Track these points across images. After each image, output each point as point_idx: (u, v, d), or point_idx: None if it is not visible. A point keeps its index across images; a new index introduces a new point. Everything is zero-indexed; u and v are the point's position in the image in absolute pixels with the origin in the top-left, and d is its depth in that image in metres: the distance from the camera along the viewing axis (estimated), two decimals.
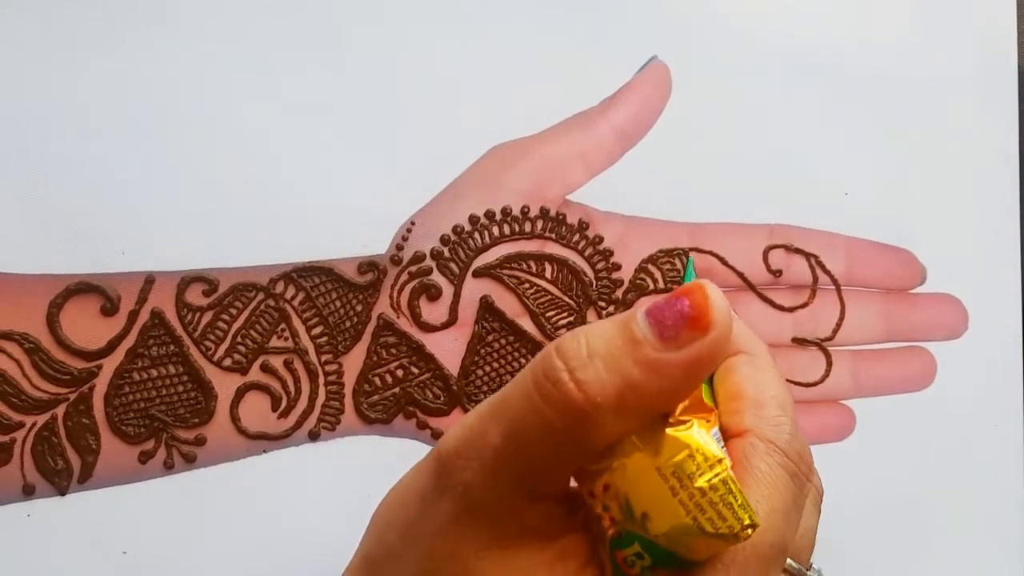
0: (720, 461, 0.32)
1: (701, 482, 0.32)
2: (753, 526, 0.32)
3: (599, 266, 0.56)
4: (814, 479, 0.36)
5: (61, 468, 0.52)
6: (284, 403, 0.54)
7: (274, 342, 0.54)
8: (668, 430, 0.32)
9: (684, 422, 0.32)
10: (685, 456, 0.32)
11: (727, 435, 0.35)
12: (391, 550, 0.34)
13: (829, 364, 0.57)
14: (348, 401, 0.55)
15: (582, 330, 0.32)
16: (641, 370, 0.31)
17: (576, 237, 0.56)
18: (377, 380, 0.55)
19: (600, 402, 0.31)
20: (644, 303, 0.32)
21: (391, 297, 0.55)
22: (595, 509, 0.33)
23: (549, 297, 0.56)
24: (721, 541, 0.32)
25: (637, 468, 0.32)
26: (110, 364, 0.53)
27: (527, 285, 0.56)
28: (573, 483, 0.34)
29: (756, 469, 0.34)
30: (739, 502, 0.32)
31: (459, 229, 0.55)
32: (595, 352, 0.31)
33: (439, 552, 0.33)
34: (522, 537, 0.33)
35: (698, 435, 0.32)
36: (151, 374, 0.53)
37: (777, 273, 0.57)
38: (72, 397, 0.52)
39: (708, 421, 0.33)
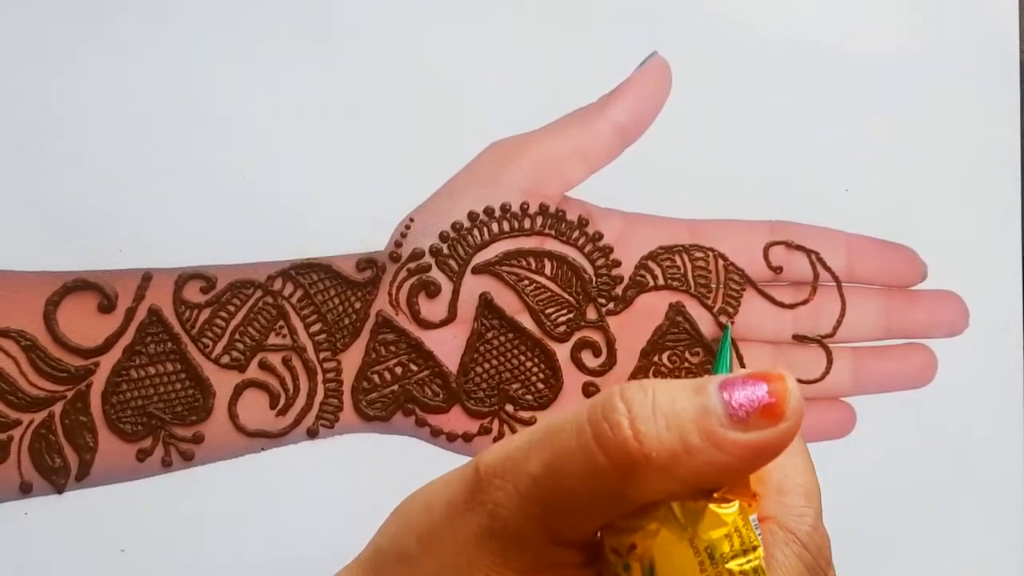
0: (755, 548, 0.32)
1: (733, 565, 0.31)
2: None
3: (599, 263, 0.56)
4: (831, 574, 0.35)
5: (58, 466, 0.52)
6: (282, 401, 0.54)
7: (272, 339, 0.54)
8: (711, 505, 0.32)
9: (728, 501, 0.32)
10: (723, 535, 0.32)
11: None
12: (406, 552, 0.34)
13: (830, 361, 0.57)
14: (347, 398, 0.54)
15: (650, 383, 0.32)
16: (702, 441, 0.31)
17: (576, 234, 0.56)
18: (376, 377, 0.55)
19: (653, 458, 0.31)
20: (718, 378, 0.32)
21: (390, 294, 0.55)
22: (615, 567, 0.32)
23: (548, 294, 0.56)
24: None
25: (670, 536, 0.32)
26: (107, 361, 0.53)
27: (526, 282, 0.55)
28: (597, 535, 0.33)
29: (773, 558, 0.33)
30: None
31: (458, 226, 0.55)
32: (660, 408, 0.31)
33: (454, 565, 0.33)
34: (537, 572, 0.33)
35: (739, 517, 0.32)
36: (149, 371, 0.53)
37: (778, 270, 0.57)
38: (69, 395, 0.52)
39: (750, 505, 0.33)
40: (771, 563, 0.33)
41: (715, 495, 0.32)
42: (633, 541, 0.32)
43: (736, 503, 0.32)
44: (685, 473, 0.31)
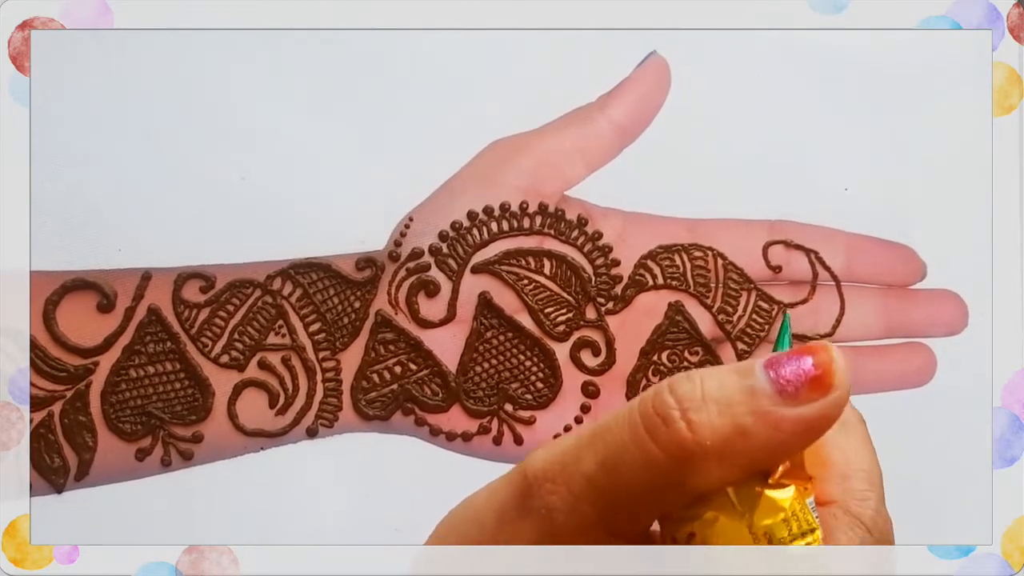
0: (813, 531, 0.32)
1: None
2: None
3: (598, 262, 0.56)
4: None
5: (58, 465, 0.52)
6: (282, 400, 0.54)
7: (272, 339, 0.54)
8: (767, 490, 0.32)
9: (783, 485, 0.32)
10: (780, 520, 0.32)
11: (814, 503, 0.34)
12: None
13: None
14: (346, 398, 0.54)
15: (697, 373, 0.32)
16: (755, 421, 0.31)
17: (575, 233, 0.56)
18: (375, 377, 0.54)
19: (708, 445, 0.31)
20: (762, 359, 0.32)
21: (389, 293, 0.55)
22: None
23: (548, 293, 0.56)
24: None
25: (728, 523, 0.32)
26: (107, 361, 0.53)
27: (526, 281, 0.55)
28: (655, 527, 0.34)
29: (837, 542, 0.33)
30: None
31: (457, 225, 0.55)
32: (710, 396, 0.31)
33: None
34: None
35: (796, 501, 0.32)
36: (148, 371, 0.53)
37: (777, 269, 0.57)
38: (69, 394, 0.52)
39: (806, 489, 0.33)
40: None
41: (770, 480, 0.32)
42: (692, 530, 0.32)
43: (792, 487, 0.32)
44: (741, 457, 0.31)
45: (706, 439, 0.31)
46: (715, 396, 0.31)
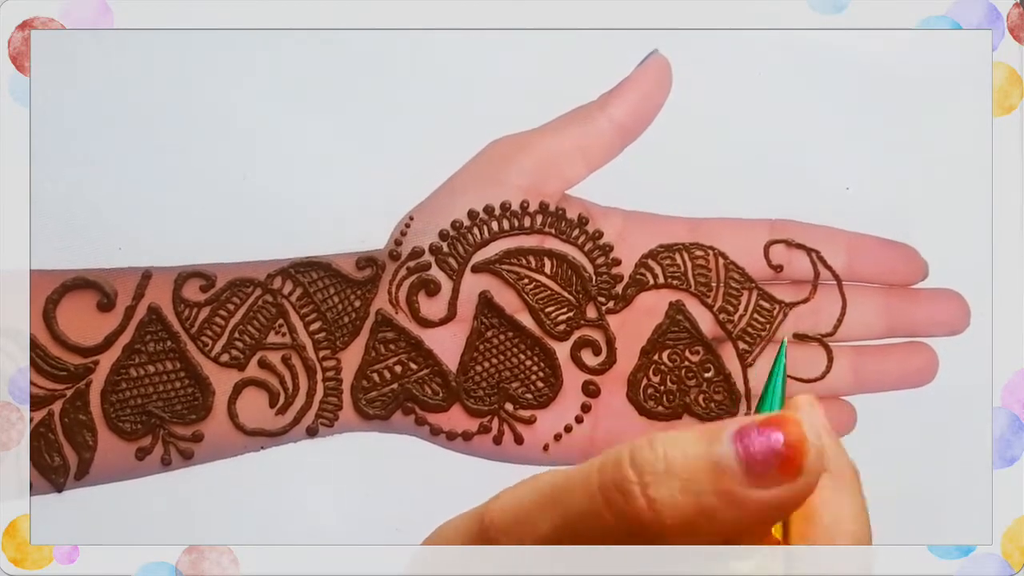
0: None
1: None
2: None
3: (599, 261, 0.56)
4: None
5: (58, 465, 0.52)
6: (282, 399, 0.54)
7: (272, 338, 0.54)
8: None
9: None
10: None
11: None
12: None
13: (830, 360, 0.57)
14: (346, 397, 0.54)
15: (660, 440, 0.30)
16: (720, 501, 0.30)
17: (576, 232, 0.56)
18: (375, 376, 0.54)
19: (669, 524, 0.30)
20: (733, 423, 0.30)
21: (389, 292, 0.55)
22: None
23: (548, 292, 0.56)
24: None
25: None
26: (107, 360, 0.53)
27: (526, 280, 0.55)
28: None
29: None
30: None
31: (458, 224, 0.55)
32: (672, 469, 0.30)
33: None
34: None
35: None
36: (148, 370, 0.53)
37: (778, 268, 0.57)
38: (69, 393, 0.52)
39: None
40: None
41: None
42: None
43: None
44: (703, 534, 0.30)
45: (666, 518, 0.30)
46: (678, 470, 0.30)
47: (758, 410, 0.44)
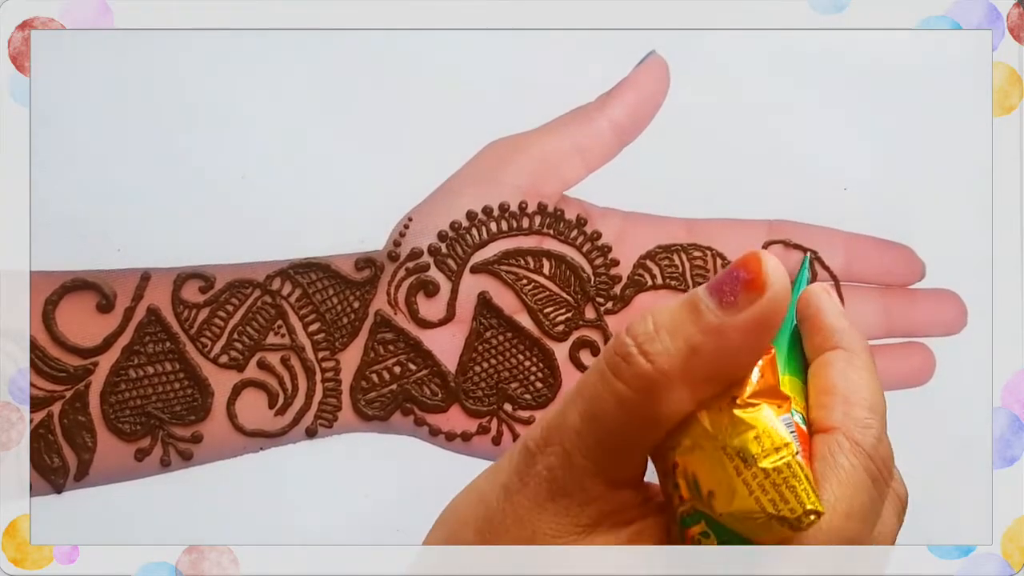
0: (787, 445, 0.33)
1: (765, 463, 0.33)
2: (816, 512, 0.32)
3: (597, 262, 0.56)
4: (895, 485, 0.37)
5: (57, 466, 0.52)
6: (281, 400, 0.54)
7: (271, 339, 0.54)
8: (736, 411, 0.33)
9: (753, 404, 0.34)
10: (751, 437, 0.33)
11: (815, 429, 0.36)
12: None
13: None
14: (345, 398, 0.54)
15: (649, 310, 0.35)
16: (704, 335, 0.33)
17: (574, 233, 0.56)
18: (375, 377, 0.54)
19: (667, 370, 0.33)
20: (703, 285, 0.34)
21: (388, 293, 0.55)
22: (667, 487, 0.34)
23: (547, 293, 0.56)
24: (783, 525, 0.32)
25: (704, 447, 0.33)
26: (106, 361, 0.53)
27: (525, 281, 0.55)
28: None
29: (840, 468, 0.35)
30: (803, 487, 0.33)
31: (456, 225, 0.55)
32: (660, 325, 0.34)
33: (518, 538, 0.35)
34: (599, 523, 0.35)
35: (765, 417, 0.33)
36: (147, 371, 0.53)
37: None
38: (68, 394, 0.52)
39: (780, 407, 0.34)
40: (838, 473, 0.34)
41: (738, 400, 0.34)
42: (675, 460, 0.34)
43: (762, 404, 0.34)
44: (702, 373, 0.34)
45: (663, 365, 0.33)
46: (666, 324, 0.34)
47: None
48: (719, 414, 0.34)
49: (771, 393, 0.34)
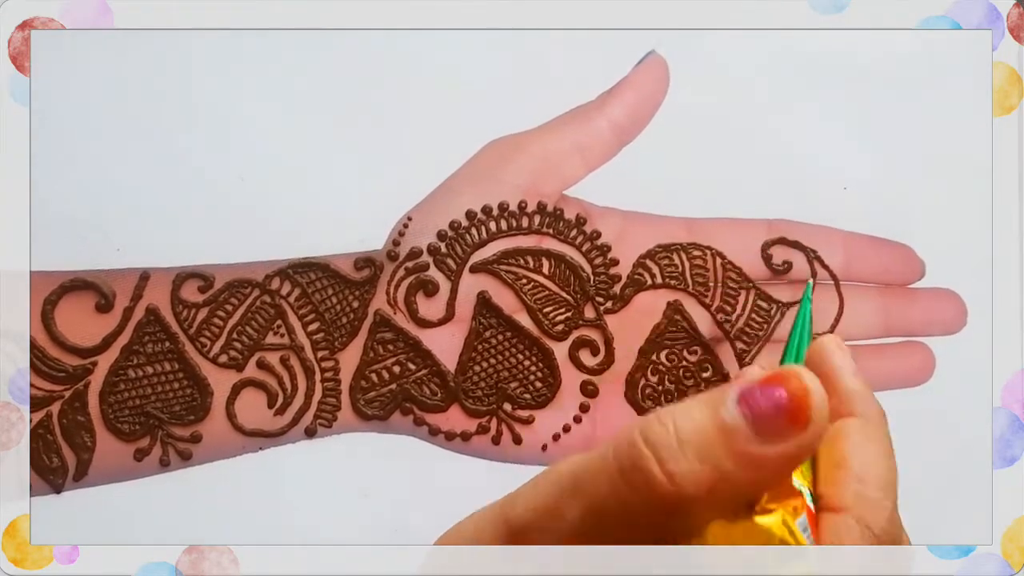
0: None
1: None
2: None
3: (597, 261, 0.56)
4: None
5: (56, 466, 0.52)
6: (280, 400, 0.54)
7: (270, 339, 0.54)
8: (755, 518, 0.32)
9: (769, 511, 0.32)
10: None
11: (824, 505, 0.34)
12: None
13: None
14: (345, 398, 0.54)
15: (668, 414, 0.31)
16: (735, 463, 0.30)
17: (573, 232, 0.56)
18: (374, 376, 0.54)
19: (692, 493, 0.30)
20: (735, 385, 0.31)
21: (388, 293, 0.55)
22: None
23: (546, 293, 0.56)
24: None
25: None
26: (105, 361, 0.53)
27: (524, 281, 0.55)
28: None
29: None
30: None
31: (456, 224, 0.55)
32: (685, 441, 0.30)
33: None
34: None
35: (784, 524, 0.32)
36: (146, 371, 0.53)
37: (784, 267, 0.56)
38: (67, 394, 0.52)
39: (795, 509, 0.32)
40: None
41: (756, 507, 0.32)
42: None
43: (780, 512, 0.32)
44: (726, 497, 0.31)
45: (687, 489, 0.30)
46: (691, 440, 0.30)
47: (785, 357, 0.45)
48: (734, 521, 0.32)
49: (785, 493, 0.33)
